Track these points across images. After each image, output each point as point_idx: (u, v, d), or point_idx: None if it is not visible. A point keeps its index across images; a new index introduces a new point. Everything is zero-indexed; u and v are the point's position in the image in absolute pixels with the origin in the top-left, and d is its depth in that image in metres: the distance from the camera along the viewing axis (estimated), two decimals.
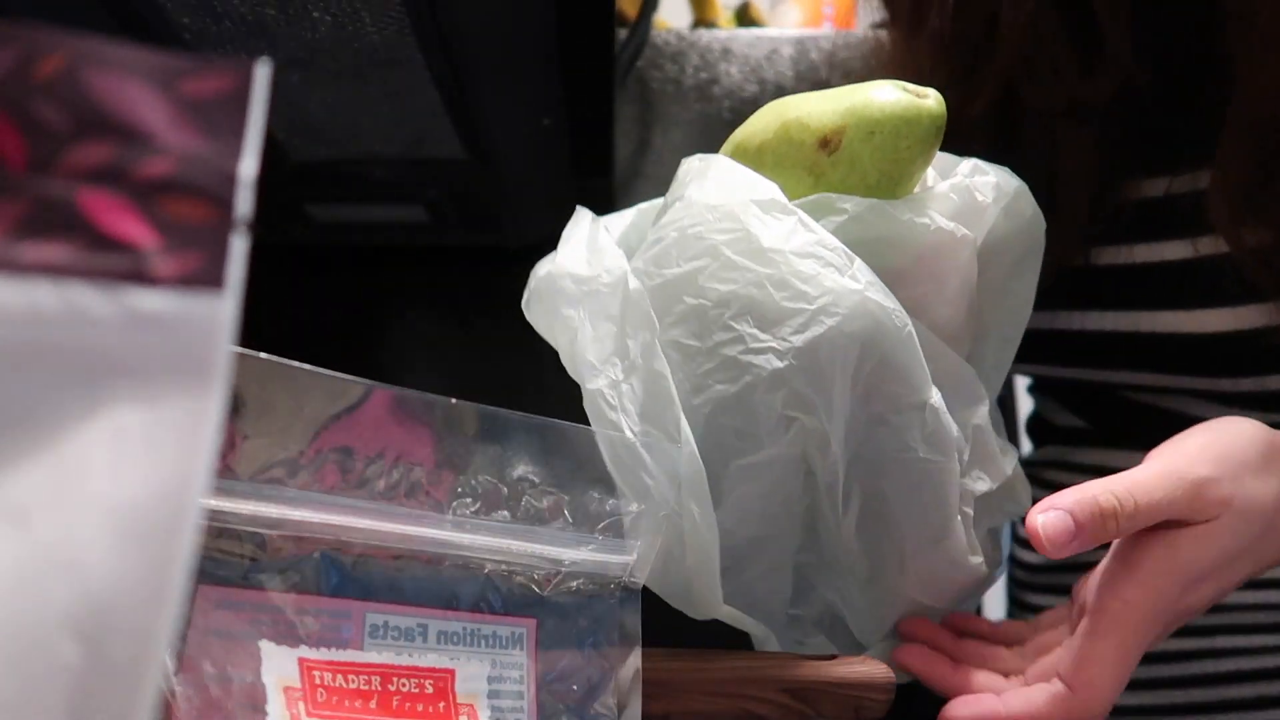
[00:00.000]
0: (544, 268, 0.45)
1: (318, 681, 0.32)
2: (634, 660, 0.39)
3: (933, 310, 0.41)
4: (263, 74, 0.18)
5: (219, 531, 0.32)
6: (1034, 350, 0.54)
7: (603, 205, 0.95)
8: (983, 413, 0.44)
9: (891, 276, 0.39)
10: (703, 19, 1.14)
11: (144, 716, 0.17)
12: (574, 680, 0.38)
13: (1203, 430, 0.42)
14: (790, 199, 0.39)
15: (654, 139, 0.98)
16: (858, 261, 0.38)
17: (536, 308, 0.45)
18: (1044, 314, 0.56)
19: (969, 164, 0.42)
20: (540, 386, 0.98)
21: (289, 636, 0.32)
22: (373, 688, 0.33)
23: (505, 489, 0.38)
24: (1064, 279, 0.55)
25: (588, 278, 0.41)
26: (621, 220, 0.51)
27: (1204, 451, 0.41)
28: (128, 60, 0.18)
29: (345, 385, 0.33)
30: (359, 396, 0.34)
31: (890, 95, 0.39)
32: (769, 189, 0.39)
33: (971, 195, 0.40)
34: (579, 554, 0.39)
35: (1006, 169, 0.44)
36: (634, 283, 0.39)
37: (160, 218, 0.18)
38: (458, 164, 0.71)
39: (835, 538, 0.44)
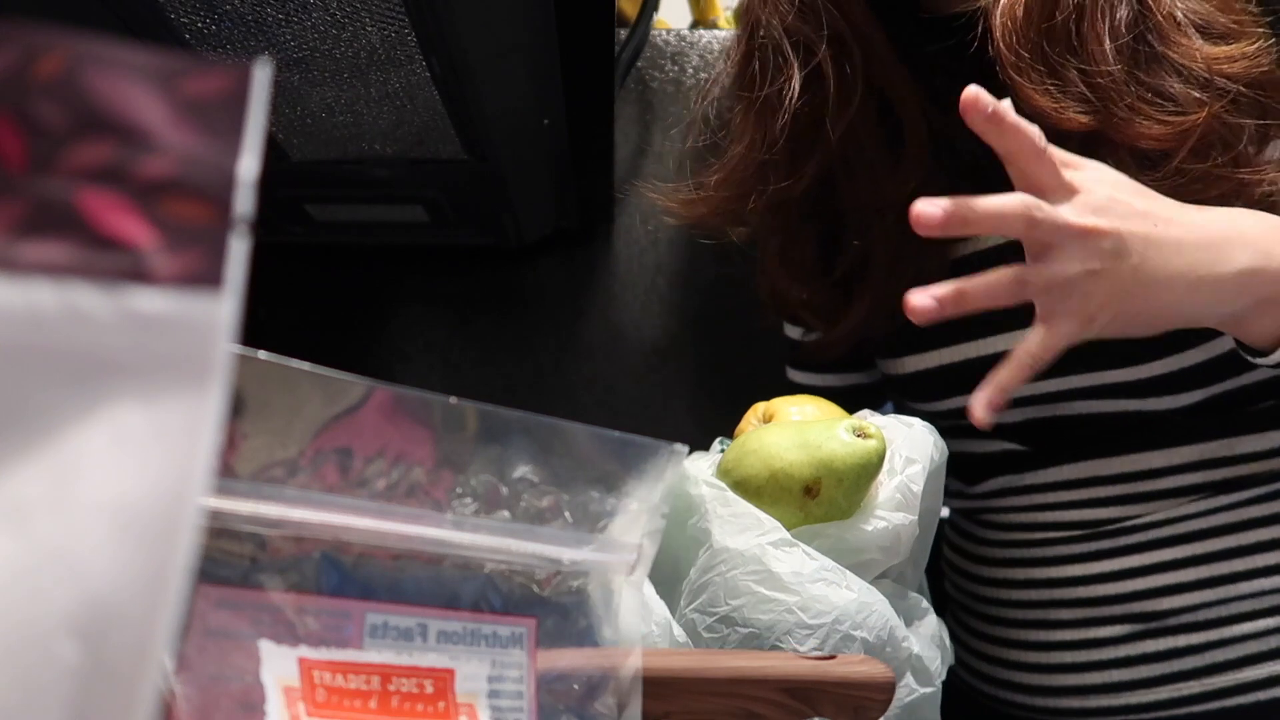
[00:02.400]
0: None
1: (317, 681, 0.32)
2: (634, 660, 0.39)
3: (890, 564, 0.58)
4: (263, 74, 0.18)
5: (219, 531, 0.32)
6: (956, 382, 0.68)
7: (603, 205, 0.95)
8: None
9: (864, 559, 0.56)
10: (703, 19, 1.13)
11: (144, 716, 0.17)
12: (574, 680, 0.38)
13: None
14: (787, 525, 0.55)
15: (654, 139, 0.98)
16: (848, 574, 0.54)
17: None
18: (946, 350, 0.70)
19: (901, 455, 0.58)
20: (540, 386, 0.98)
21: (289, 636, 0.32)
22: (372, 687, 0.33)
23: (505, 489, 0.38)
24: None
25: (643, 634, 0.52)
26: None
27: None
28: (128, 60, 0.18)
29: (345, 385, 0.33)
30: (359, 396, 0.34)
31: (847, 447, 0.55)
32: (775, 528, 0.54)
33: (908, 488, 0.57)
34: (579, 554, 0.39)
35: (930, 431, 0.60)
36: (677, 631, 0.53)
37: (160, 217, 0.18)
38: (458, 164, 0.71)
39: None
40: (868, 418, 0.62)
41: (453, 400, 0.36)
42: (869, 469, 0.55)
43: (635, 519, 0.40)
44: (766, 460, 0.56)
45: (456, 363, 0.98)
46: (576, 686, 0.38)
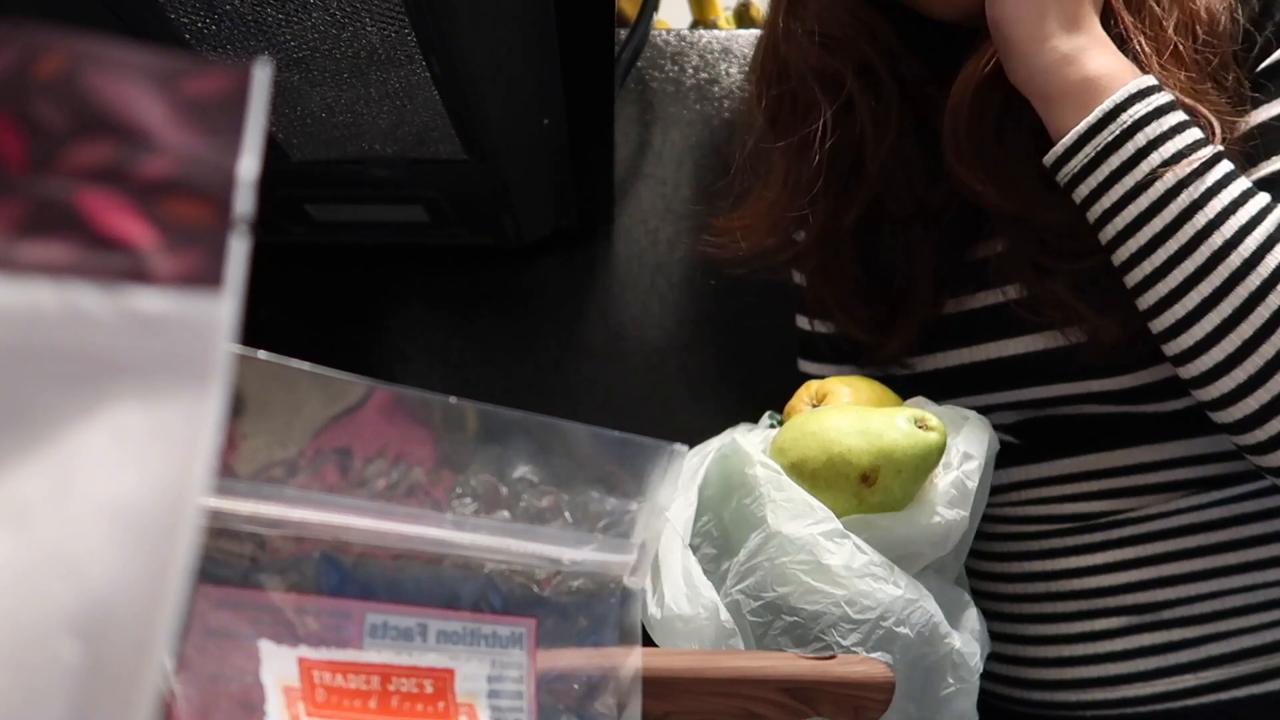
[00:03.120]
0: (655, 609, 0.56)
1: (317, 681, 0.32)
2: (634, 660, 0.39)
3: (936, 558, 0.58)
4: (263, 74, 0.18)
5: (219, 531, 0.32)
6: (953, 384, 0.70)
7: (603, 205, 0.95)
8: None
9: (912, 551, 0.56)
10: (703, 19, 1.14)
11: (144, 716, 0.17)
12: (574, 680, 0.38)
13: None
14: (839, 512, 0.54)
15: (654, 139, 0.98)
16: (896, 570, 0.53)
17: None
18: (942, 354, 0.72)
19: (959, 450, 0.58)
20: (540, 386, 0.98)
21: (289, 636, 0.32)
22: (372, 687, 0.33)
23: (505, 489, 0.38)
24: (944, 326, 0.71)
25: (690, 616, 0.53)
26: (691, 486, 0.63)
27: None
28: (128, 60, 0.18)
29: (345, 385, 0.33)
30: (359, 396, 0.34)
31: (909, 438, 0.55)
32: (828, 518, 0.54)
33: (964, 484, 0.56)
34: (579, 554, 0.39)
35: (985, 425, 0.61)
36: (724, 615, 0.53)
37: (160, 217, 0.18)
38: (458, 164, 0.71)
39: None
40: (926, 407, 0.61)
41: (453, 400, 0.36)
42: (928, 461, 0.55)
43: (635, 519, 0.40)
44: (825, 445, 0.56)
45: (456, 363, 0.98)
46: (576, 686, 0.38)
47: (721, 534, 0.57)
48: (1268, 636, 0.63)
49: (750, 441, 0.58)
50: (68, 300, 0.17)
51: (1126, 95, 0.56)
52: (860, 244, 0.73)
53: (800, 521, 0.54)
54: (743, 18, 1.16)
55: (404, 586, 0.35)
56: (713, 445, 0.63)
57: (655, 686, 0.40)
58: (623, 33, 0.88)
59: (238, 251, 0.18)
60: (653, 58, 0.97)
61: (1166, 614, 0.65)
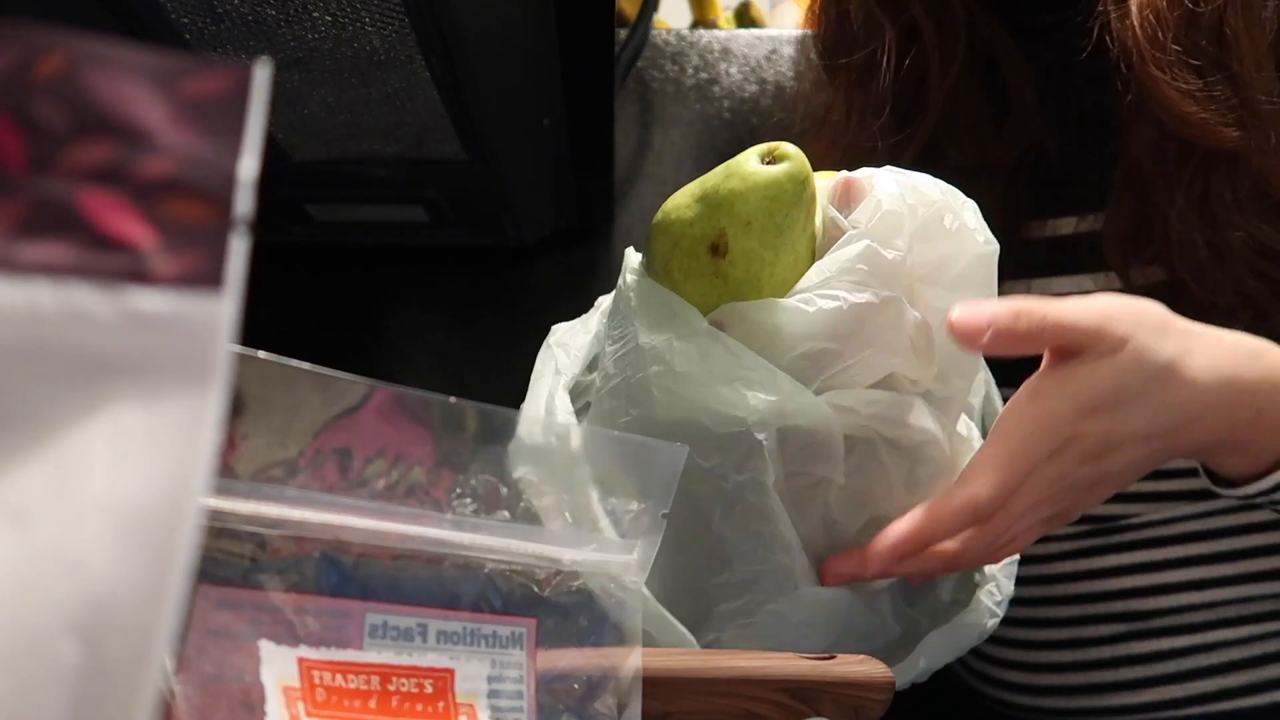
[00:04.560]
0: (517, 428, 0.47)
1: (317, 681, 0.32)
2: (634, 660, 0.39)
3: (878, 364, 0.44)
4: (263, 74, 0.18)
5: (219, 531, 0.32)
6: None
7: (603, 205, 0.95)
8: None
9: (827, 357, 0.43)
10: (703, 19, 1.14)
11: (144, 716, 0.17)
12: (574, 680, 0.38)
13: (1114, 293, 0.46)
14: (708, 302, 0.43)
15: (654, 139, 0.98)
16: (778, 373, 0.42)
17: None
18: None
19: (869, 202, 0.44)
20: None
21: (288, 636, 0.32)
22: (372, 687, 0.33)
23: (505, 489, 0.38)
24: None
25: (541, 445, 0.43)
26: (585, 335, 0.55)
27: (1112, 301, 0.44)
28: (128, 60, 0.18)
29: (345, 385, 0.33)
30: (359, 396, 0.34)
31: (747, 180, 0.42)
32: (689, 317, 0.43)
33: (879, 256, 0.42)
34: (579, 554, 0.39)
35: (939, 184, 0.46)
36: (575, 444, 0.42)
37: (160, 218, 0.18)
38: (458, 164, 0.71)
39: None
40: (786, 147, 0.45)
41: (453, 400, 0.36)
42: (781, 201, 0.42)
43: (635, 519, 0.40)
44: (667, 226, 0.45)
45: (456, 363, 0.98)
46: (576, 686, 0.38)
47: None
48: (1257, 649, 0.62)
49: (634, 256, 0.49)
50: (68, 300, 0.17)
51: None
52: None
53: (660, 325, 0.44)
54: (743, 18, 1.16)
55: (404, 586, 0.35)
56: None
57: (655, 686, 0.40)
58: (623, 33, 0.88)
59: (238, 251, 0.18)
60: (653, 58, 0.97)
61: (1157, 622, 0.64)
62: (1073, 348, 0.44)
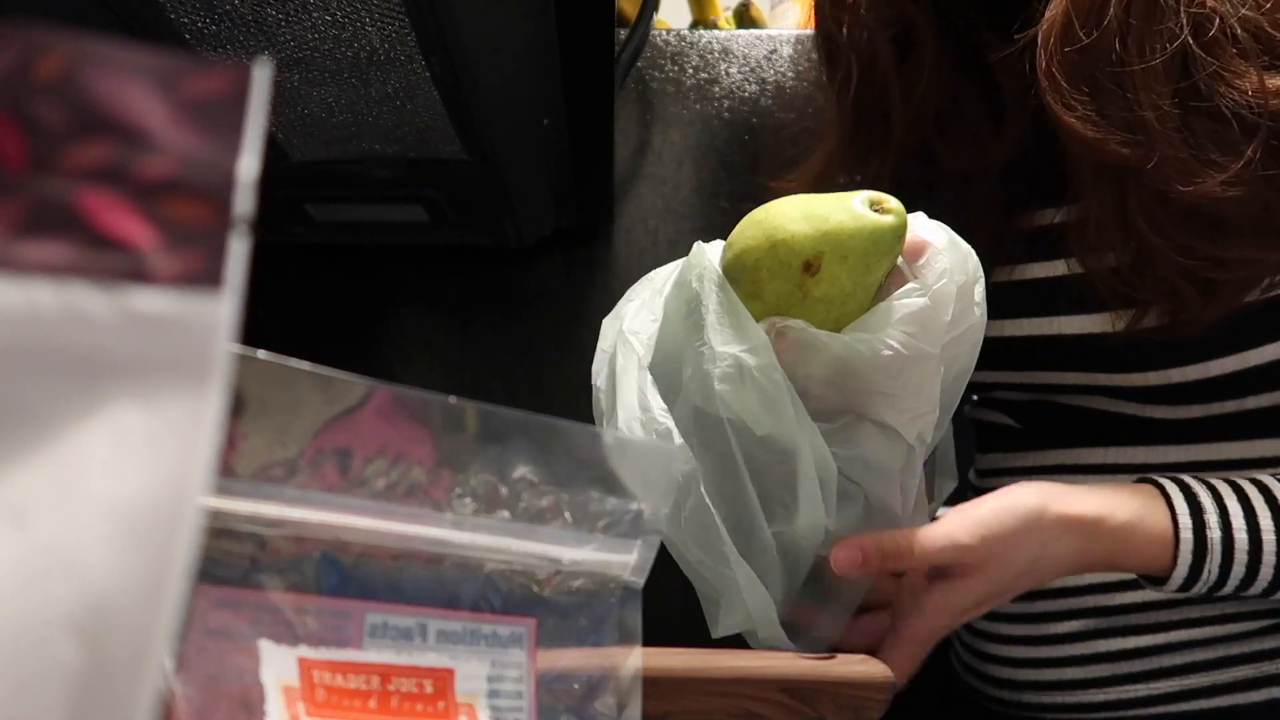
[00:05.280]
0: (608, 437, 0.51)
1: (317, 681, 0.32)
2: (634, 660, 0.39)
3: (900, 402, 0.51)
4: (263, 74, 0.18)
5: (219, 531, 0.32)
6: (982, 358, 0.65)
7: (603, 205, 0.95)
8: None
9: (864, 386, 0.50)
10: (703, 19, 1.14)
11: (144, 716, 0.17)
12: (574, 680, 0.38)
13: (993, 499, 0.55)
14: (781, 307, 0.50)
15: (654, 139, 0.98)
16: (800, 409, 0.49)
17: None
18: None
19: (934, 264, 0.50)
20: (539, 386, 0.98)
21: (288, 636, 0.32)
22: (372, 687, 0.33)
23: (505, 488, 0.38)
24: (992, 295, 0.68)
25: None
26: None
27: (979, 523, 0.54)
28: (128, 60, 0.18)
29: (345, 385, 0.33)
30: (358, 396, 0.34)
31: (857, 220, 0.48)
32: (756, 347, 0.49)
33: (934, 318, 0.49)
34: (579, 553, 0.39)
35: (966, 251, 0.51)
36: (678, 439, 0.49)
37: (160, 217, 0.18)
38: (458, 164, 0.71)
39: None
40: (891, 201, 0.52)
41: (452, 400, 0.36)
42: (879, 247, 0.48)
43: (635, 519, 0.40)
44: (769, 232, 0.50)
45: (456, 363, 0.98)
46: (576, 686, 0.38)
47: (675, 359, 0.53)
48: (1220, 650, 0.63)
49: (708, 249, 0.53)
50: (68, 300, 0.17)
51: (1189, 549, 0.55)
52: (917, 202, 0.71)
53: (731, 347, 0.49)
54: (743, 18, 1.16)
55: (404, 586, 0.35)
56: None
57: (655, 686, 0.40)
58: (623, 33, 0.88)
59: (238, 251, 0.18)
60: (653, 58, 0.97)
61: (1120, 620, 0.64)
62: (945, 570, 0.55)
